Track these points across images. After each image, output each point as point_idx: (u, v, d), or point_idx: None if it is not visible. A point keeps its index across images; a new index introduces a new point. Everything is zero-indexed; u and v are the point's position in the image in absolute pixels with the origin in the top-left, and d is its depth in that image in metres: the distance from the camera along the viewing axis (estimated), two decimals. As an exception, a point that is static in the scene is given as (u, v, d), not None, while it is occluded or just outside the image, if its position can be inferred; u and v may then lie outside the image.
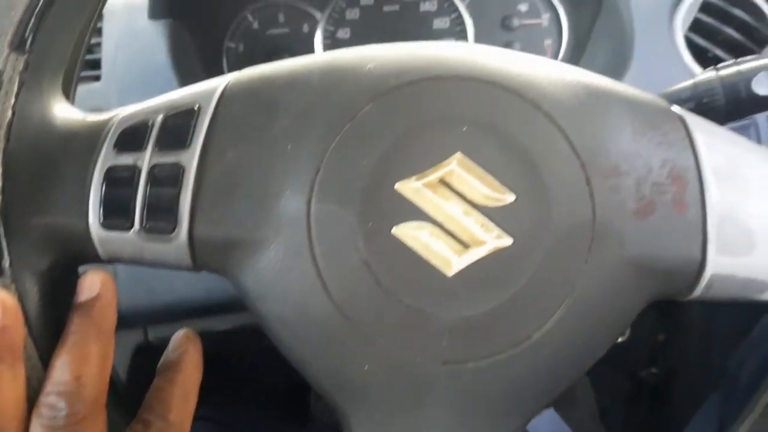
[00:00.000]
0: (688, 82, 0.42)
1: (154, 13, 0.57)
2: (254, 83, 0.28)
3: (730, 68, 0.41)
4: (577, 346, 0.27)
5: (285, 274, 0.25)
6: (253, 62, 0.30)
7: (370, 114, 0.26)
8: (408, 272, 0.25)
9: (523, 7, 0.63)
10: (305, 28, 0.63)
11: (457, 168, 0.25)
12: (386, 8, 0.63)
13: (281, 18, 0.63)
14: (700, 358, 0.70)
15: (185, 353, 0.31)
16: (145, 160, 0.26)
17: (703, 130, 0.29)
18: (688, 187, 0.26)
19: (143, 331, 0.54)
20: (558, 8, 0.63)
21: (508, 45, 0.63)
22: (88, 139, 0.27)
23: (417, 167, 0.25)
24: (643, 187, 0.26)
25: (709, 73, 0.42)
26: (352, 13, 0.63)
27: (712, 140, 0.28)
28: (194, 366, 0.31)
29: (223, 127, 0.26)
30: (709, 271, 0.27)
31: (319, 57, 0.29)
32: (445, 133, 0.26)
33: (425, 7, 0.63)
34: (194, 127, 0.26)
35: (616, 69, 0.56)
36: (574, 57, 0.63)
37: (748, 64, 0.40)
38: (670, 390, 0.76)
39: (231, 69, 0.68)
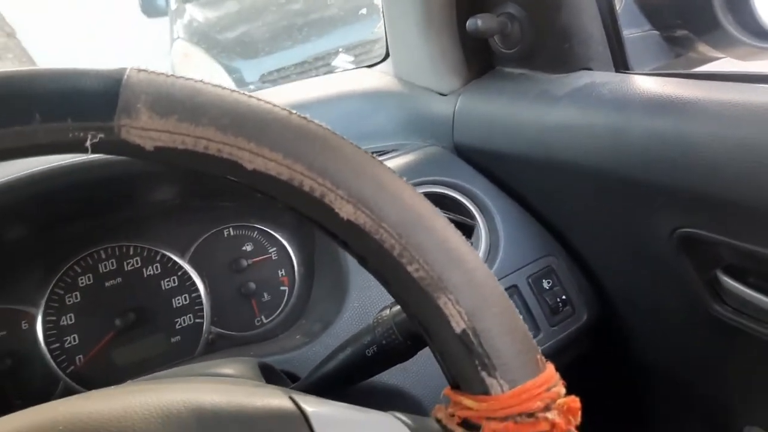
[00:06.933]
0: (370, 324, 0.44)
1: None
2: None
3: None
4: None
5: None
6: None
7: None
8: None
9: (248, 247, 0.65)
10: (24, 325, 0.59)
11: None
12: (108, 283, 0.61)
13: (-7, 323, 0.58)
14: None
15: None
16: None
17: (326, 424, 0.28)
18: None
19: None
20: (282, 241, 0.65)
21: (243, 285, 0.64)
22: None
23: None
24: None
25: (384, 312, 0.44)
26: (72, 298, 0.60)
27: None
28: None
29: None
30: None
31: None
32: None
33: (149, 271, 0.62)
34: None
35: (342, 292, 0.58)
36: (307, 283, 0.65)
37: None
38: None
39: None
